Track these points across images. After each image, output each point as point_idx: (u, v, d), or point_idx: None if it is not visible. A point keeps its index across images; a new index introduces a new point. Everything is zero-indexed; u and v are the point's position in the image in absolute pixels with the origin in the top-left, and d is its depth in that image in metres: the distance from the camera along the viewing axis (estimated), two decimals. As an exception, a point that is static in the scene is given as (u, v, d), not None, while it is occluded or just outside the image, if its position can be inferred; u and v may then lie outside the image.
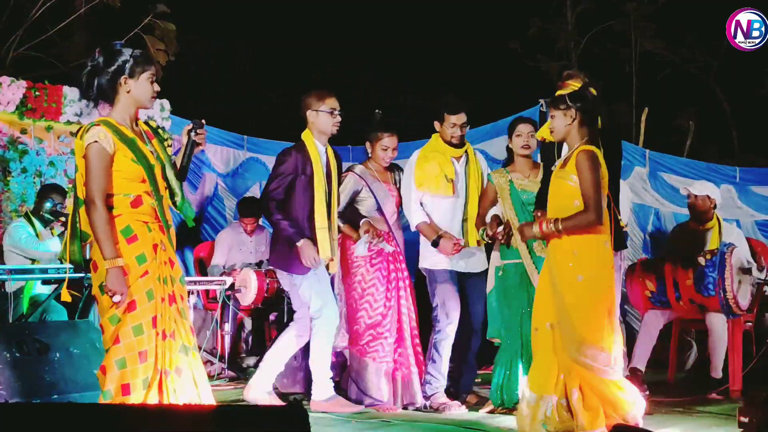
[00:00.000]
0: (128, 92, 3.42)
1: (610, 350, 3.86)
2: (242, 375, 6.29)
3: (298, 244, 4.74)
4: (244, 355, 6.88)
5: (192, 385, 3.37)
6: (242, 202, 7.40)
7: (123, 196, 3.36)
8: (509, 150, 5.05)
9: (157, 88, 3.49)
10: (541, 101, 7.91)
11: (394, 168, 5.39)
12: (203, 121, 3.60)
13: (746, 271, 5.52)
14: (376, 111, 5.33)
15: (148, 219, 3.40)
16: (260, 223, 7.56)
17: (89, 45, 9.90)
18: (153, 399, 3.25)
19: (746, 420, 3.49)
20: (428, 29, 15.96)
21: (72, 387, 4.31)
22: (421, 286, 5.25)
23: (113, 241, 3.30)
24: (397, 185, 5.30)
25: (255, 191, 8.03)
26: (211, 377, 6.02)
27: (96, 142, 3.30)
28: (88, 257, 3.53)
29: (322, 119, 4.84)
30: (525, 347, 4.62)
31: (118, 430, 2.09)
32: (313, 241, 4.77)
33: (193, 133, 3.54)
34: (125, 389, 3.21)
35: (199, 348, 5.94)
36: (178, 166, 3.57)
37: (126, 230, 3.34)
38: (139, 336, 3.25)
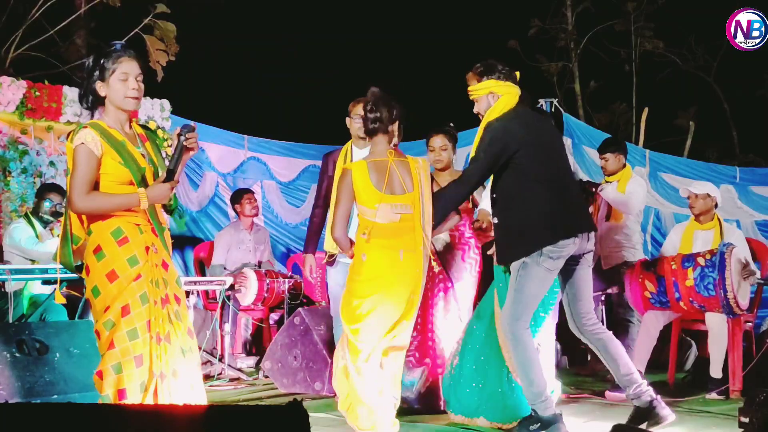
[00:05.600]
0: (105, 96, 3.40)
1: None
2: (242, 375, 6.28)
3: (304, 255, 5.24)
4: (243, 354, 6.88)
5: (189, 388, 3.36)
6: (233, 193, 7.47)
7: None
8: None
9: (132, 85, 3.37)
10: (541, 102, 7.95)
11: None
12: (194, 125, 3.52)
13: (746, 271, 5.53)
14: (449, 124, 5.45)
15: (140, 221, 3.37)
16: (257, 222, 7.57)
17: (89, 45, 9.92)
18: (149, 403, 3.22)
19: (746, 420, 3.49)
20: (428, 29, 15.98)
21: (72, 387, 4.31)
22: None
23: (119, 194, 3.31)
24: None
25: (256, 191, 8.05)
26: (211, 377, 6.02)
27: (83, 144, 3.29)
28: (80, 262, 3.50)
29: (353, 125, 5.14)
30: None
31: (118, 430, 2.08)
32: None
33: (182, 138, 3.43)
34: (122, 394, 3.19)
35: (199, 348, 5.98)
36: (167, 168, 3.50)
37: (116, 232, 3.31)
38: (134, 340, 3.22)
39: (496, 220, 4.20)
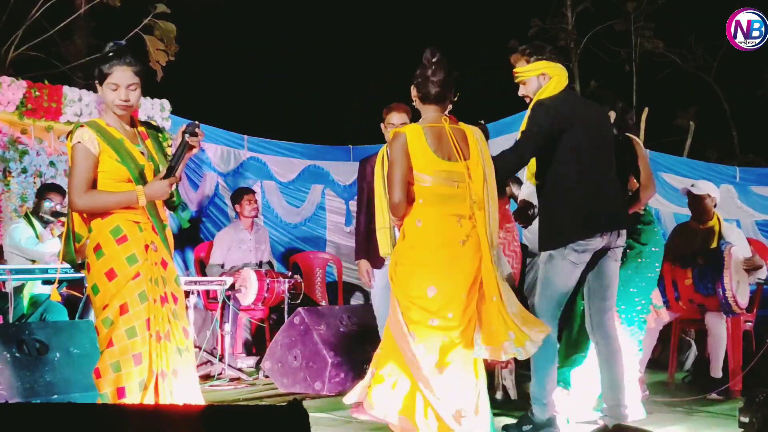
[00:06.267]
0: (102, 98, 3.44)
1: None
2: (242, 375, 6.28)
3: (356, 262, 5.26)
4: (243, 354, 6.88)
5: (188, 387, 3.36)
6: (234, 193, 7.45)
7: None
8: None
9: (122, 96, 3.36)
10: None
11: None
12: (198, 123, 3.50)
13: (748, 263, 5.53)
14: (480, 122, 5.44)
15: (139, 219, 3.38)
16: (257, 222, 7.56)
17: (89, 45, 9.92)
18: (149, 401, 3.23)
19: (746, 420, 3.50)
20: (429, 29, 15.97)
21: (72, 387, 4.30)
22: None
23: (117, 192, 3.32)
24: None
25: (256, 191, 8.04)
26: (211, 377, 6.02)
27: (80, 142, 3.31)
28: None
29: (387, 133, 5.09)
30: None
31: (118, 430, 2.08)
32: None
33: (186, 135, 3.42)
34: (121, 392, 3.20)
35: (199, 348, 5.99)
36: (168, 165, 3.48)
37: (116, 230, 3.32)
38: (132, 339, 3.23)
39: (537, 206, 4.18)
